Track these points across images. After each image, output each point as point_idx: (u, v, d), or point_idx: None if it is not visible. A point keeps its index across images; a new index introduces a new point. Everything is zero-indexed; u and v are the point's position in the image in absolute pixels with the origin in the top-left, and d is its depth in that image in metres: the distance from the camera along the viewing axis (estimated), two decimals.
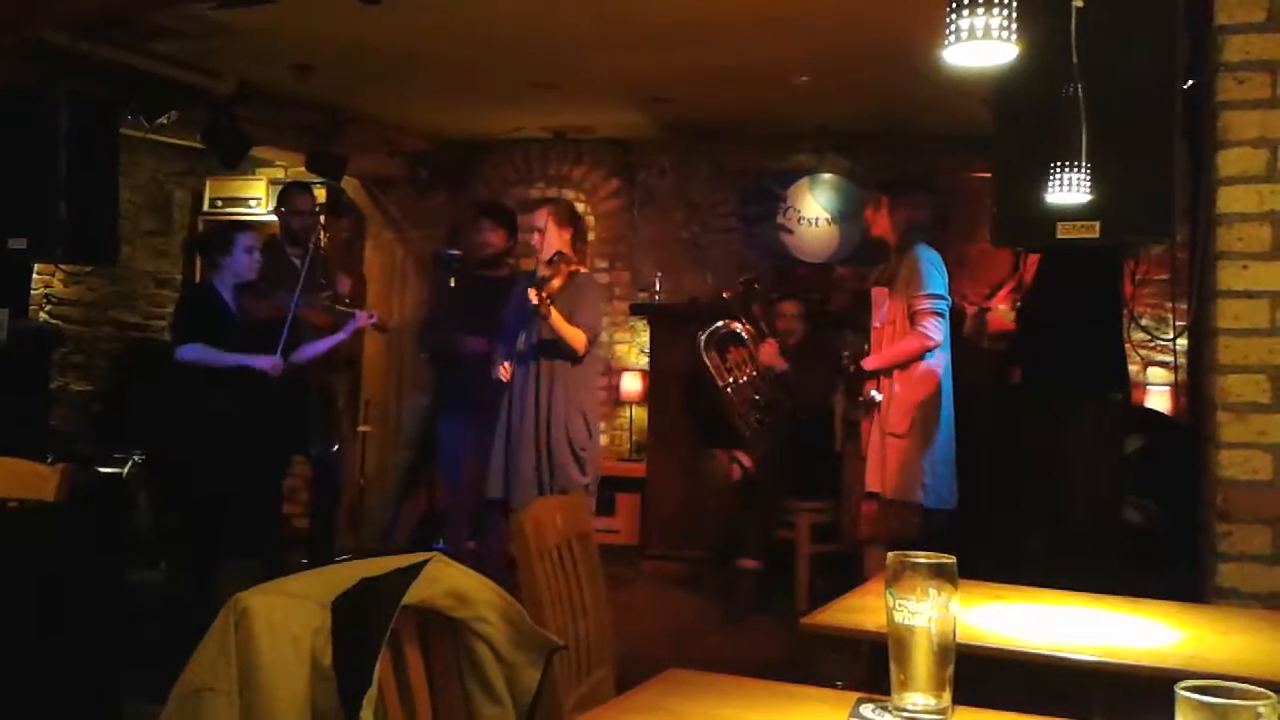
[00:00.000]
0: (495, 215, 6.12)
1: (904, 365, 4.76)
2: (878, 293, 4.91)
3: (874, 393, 4.79)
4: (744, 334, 6.07)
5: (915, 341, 4.73)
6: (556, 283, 4.92)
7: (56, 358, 6.69)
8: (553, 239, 5.08)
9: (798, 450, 5.79)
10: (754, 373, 6.00)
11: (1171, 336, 4.01)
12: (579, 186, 7.63)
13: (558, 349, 4.99)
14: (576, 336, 4.93)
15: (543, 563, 2.21)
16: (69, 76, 4.81)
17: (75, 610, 2.99)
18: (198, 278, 8.10)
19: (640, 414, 7.48)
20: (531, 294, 4.79)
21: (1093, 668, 1.99)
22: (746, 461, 5.94)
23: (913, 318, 4.74)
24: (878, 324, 4.86)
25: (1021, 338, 4.59)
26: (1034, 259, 4.56)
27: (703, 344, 6.08)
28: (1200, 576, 3.21)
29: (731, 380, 6.03)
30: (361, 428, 7.34)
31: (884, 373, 4.79)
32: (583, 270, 5.15)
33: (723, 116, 6.83)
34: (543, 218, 5.13)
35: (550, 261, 5.00)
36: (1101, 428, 3.69)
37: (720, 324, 6.08)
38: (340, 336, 5.60)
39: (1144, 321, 5.74)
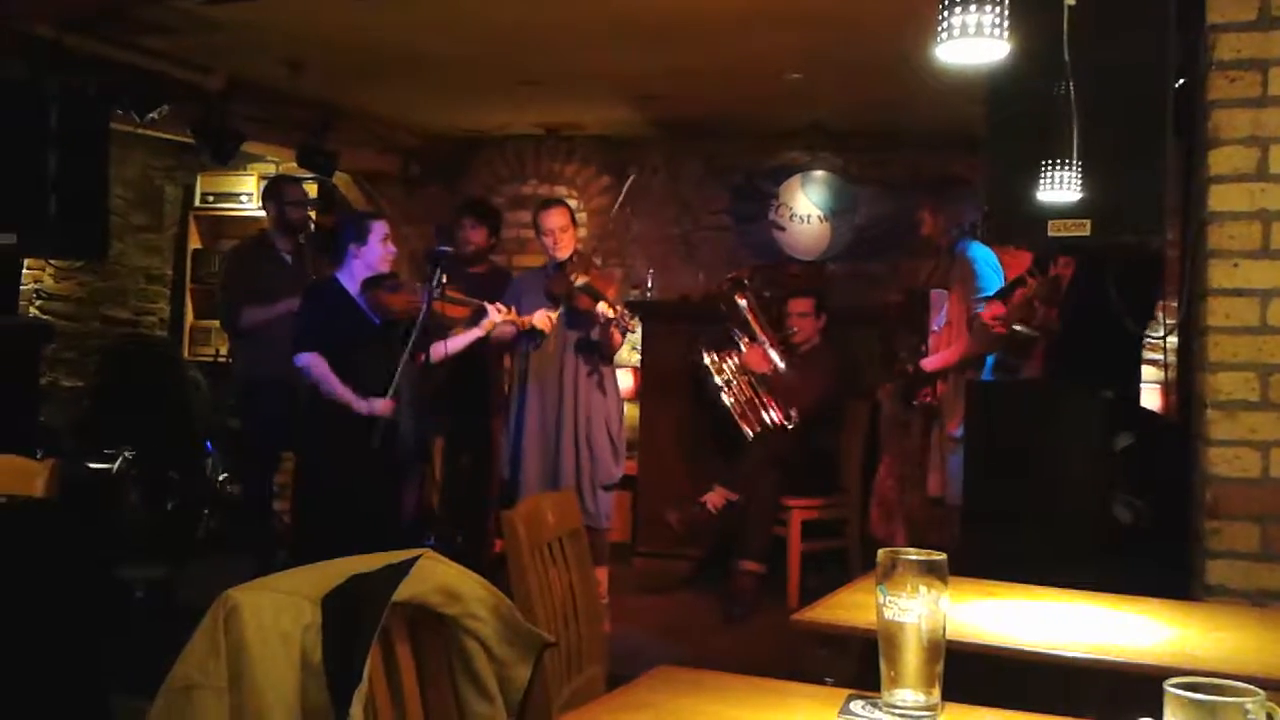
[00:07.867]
0: (477, 213, 6.12)
1: (962, 368, 4.70)
2: (936, 294, 4.88)
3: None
4: (735, 336, 6.03)
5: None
6: (612, 292, 5.00)
7: (47, 353, 6.66)
8: (571, 238, 5.14)
9: (794, 450, 5.77)
10: (745, 376, 5.96)
11: (1162, 334, 4.01)
12: (570, 183, 7.61)
13: (599, 349, 5.07)
14: (617, 339, 5.05)
15: (534, 559, 2.21)
16: (59, 71, 4.78)
17: (64, 606, 2.99)
18: (188, 273, 8.09)
19: (631, 410, 7.47)
20: (608, 309, 4.85)
21: (1082, 665, 1.99)
22: (730, 495, 5.72)
23: (971, 320, 4.69)
24: (936, 327, 4.83)
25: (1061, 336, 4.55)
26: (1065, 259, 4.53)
27: (701, 346, 6.07)
28: (1189, 573, 3.23)
29: (726, 381, 5.99)
30: None
31: (944, 375, 4.76)
32: (598, 265, 5.22)
33: (714, 113, 6.81)
34: (563, 217, 5.14)
35: (574, 265, 5.05)
36: (1092, 425, 3.70)
37: (718, 326, 6.05)
38: (476, 333, 5.01)
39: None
